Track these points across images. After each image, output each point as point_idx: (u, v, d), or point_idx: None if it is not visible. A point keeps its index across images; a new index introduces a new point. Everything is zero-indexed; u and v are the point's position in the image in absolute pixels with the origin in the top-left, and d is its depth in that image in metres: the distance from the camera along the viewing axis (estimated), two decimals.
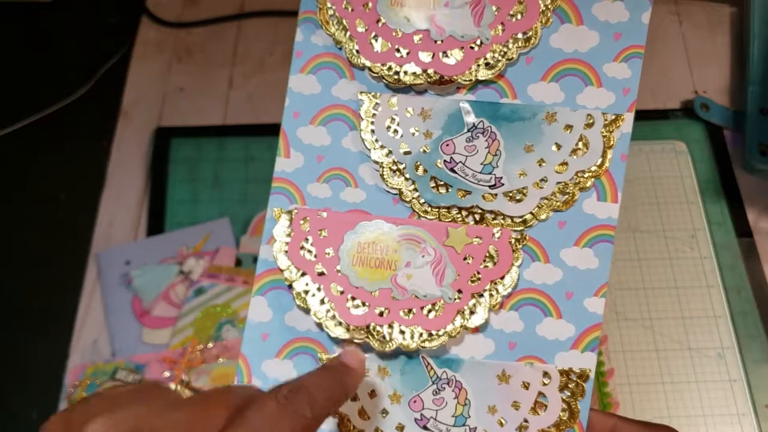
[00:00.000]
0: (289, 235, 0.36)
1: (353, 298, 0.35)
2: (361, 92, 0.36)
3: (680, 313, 0.59)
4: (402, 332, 0.35)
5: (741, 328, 0.58)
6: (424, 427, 0.35)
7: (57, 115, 0.72)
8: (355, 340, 0.35)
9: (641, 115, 0.70)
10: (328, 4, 0.36)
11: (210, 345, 0.58)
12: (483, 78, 0.35)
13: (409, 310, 0.35)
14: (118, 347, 0.59)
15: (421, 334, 0.35)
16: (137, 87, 0.74)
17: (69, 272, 0.64)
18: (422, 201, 0.36)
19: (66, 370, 0.59)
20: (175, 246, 0.64)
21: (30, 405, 0.58)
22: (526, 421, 0.34)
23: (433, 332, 0.35)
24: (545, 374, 0.35)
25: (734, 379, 0.56)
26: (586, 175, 0.35)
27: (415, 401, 0.35)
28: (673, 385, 0.56)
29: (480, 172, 0.35)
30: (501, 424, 0.34)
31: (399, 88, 0.36)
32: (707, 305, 0.59)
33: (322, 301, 0.35)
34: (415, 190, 0.36)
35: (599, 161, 0.35)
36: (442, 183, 0.36)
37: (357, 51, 0.36)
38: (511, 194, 0.35)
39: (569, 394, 0.34)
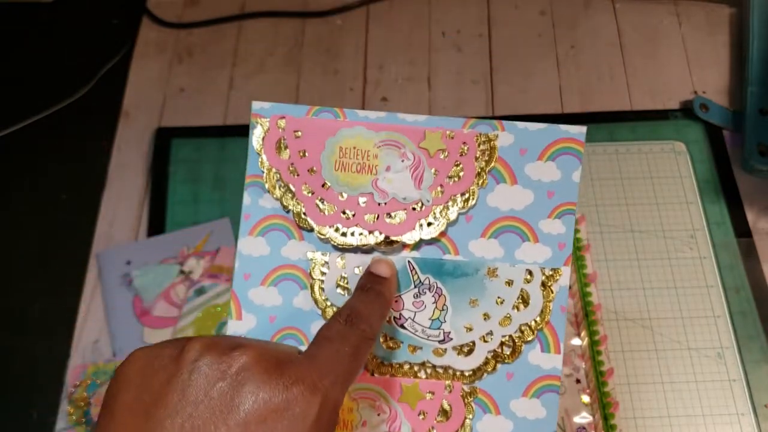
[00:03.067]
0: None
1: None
2: (310, 252, 0.37)
3: (679, 313, 0.59)
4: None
5: (740, 328, 0.58)
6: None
7: (58, 116, 0.73)
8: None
9: (641, 116, 0.70)
10: (274, 170, 0.37)
11: None
12: (426, 237, 0.37)
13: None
14: (119, 347, 0.59)
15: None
16: (138, 87, 0.74)
17: (70, 272, 0.64)
18: (374, 357, 0.37)
19: (67, 369, 0.59)
20: (175, 246, 0.64)
21: (30, 405, 0.58)
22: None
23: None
24: None
25: (733, 378, 0.56)
26: (529, 328, 0.37)
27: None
28: (672, 384, 0.56)
29: (429, 327, 0.37)
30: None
31: (347, 247, 0.37)
32: (706, 305, 0.60)
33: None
34: None
35: (540, 314, 0.37)
36: (392, 339, 0.37)
37: (304, 213, 0.37)
38: (460, 348, 0.37)
39: None
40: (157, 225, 0.65)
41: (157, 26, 0.78)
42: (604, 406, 0.54)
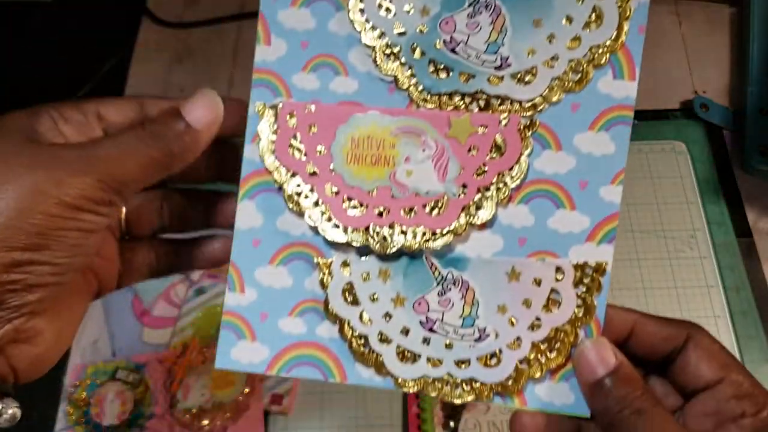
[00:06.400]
0: (275, 132, 0.33)
1: (349, 199, 0.32)
2: None
3: (680, 314, 0.59)
4: (403, 232, 0.32)
5: (740, 328, 0.58)
6: (431, 330, 0.33)
7: None
8: (353, 243, 0.32)
9: (640, 116, 0.70)
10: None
11: (210, 345, 0.58)
12: None
13: (411, 209, 0.32)
14: (119, 347, 0.59)
15: (424, 234, 0.32)
16: (138, 87, 0.74)
17: None
18: (421, 88, 0.32)
19: (66, 369, 0.59)
20: None
21: (30, 405, 0.58)
22: (538, 319, 0.32)
23: (437, 231, 0.32)
24: (558, 270, 0.32)
25: None
26: (601, 50, 0.32)
27: (419, 303, 0.33)
28: None
29: (484, 52, 0.32)
30: (512, 324, 0.32)
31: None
32: (707, 305, 0.59)
33: (316, 203, 0.32)
34: (413, 75, 0.32)
35: (614, 35, 0.31)
36: (442, 66, 0.32)
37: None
38: (519, 75, 0.32)
39: (584, 289, 0.32)
40: None
41: (157, 26, 0.78)
42: None
